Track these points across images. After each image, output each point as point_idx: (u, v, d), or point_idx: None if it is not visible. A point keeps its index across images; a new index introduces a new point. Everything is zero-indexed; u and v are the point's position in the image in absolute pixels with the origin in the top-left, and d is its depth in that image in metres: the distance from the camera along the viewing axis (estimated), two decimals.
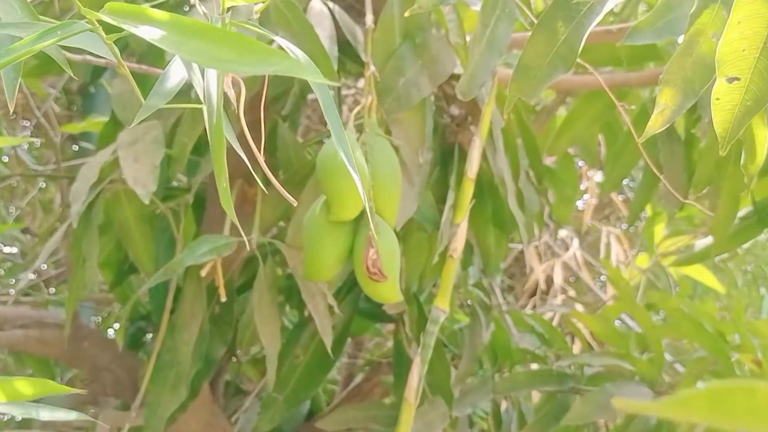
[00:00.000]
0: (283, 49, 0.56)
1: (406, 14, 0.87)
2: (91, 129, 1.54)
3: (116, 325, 1.63)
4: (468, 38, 1.08)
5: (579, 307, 1.92)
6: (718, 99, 0.73)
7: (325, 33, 1.07)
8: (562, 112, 1.55)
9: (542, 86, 0.85)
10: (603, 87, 1.13)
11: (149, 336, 1.52)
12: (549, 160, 1.63)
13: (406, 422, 0.99)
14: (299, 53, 0.57)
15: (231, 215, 0.52)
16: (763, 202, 1.36)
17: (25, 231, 2.10)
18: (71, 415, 0.78)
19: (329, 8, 1.10)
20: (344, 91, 1.78)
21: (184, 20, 0.49)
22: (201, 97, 0.55)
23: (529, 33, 0.84)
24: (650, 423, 1.40)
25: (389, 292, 1.02)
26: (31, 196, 1.99)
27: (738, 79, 0.72)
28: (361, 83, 1.35)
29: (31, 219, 2.14)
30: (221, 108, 0.51)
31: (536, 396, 1.65)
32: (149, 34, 0.48)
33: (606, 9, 0.82)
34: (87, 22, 0.51)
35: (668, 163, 1.26)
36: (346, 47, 1.13)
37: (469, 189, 1.06)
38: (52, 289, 1.94)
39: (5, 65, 0.51)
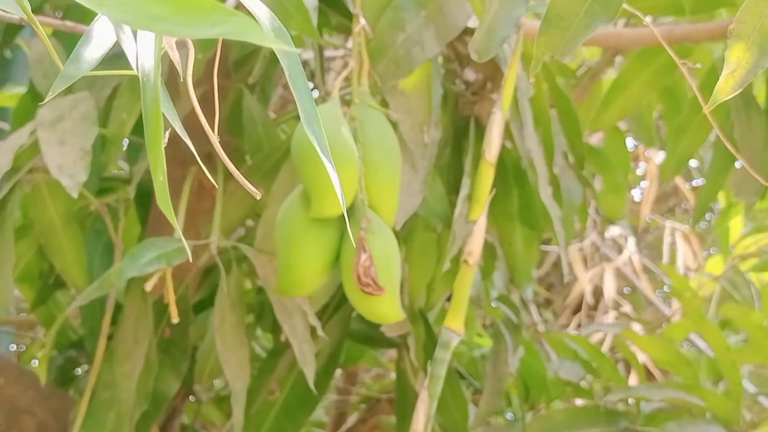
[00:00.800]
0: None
1: None
2: (5, 104, 1.58)
3: (39, 355, 1.68)
4: None
5: (636, 327, 1.97)
6: None
7: None
8: (610, 75, 1.59)
9: (578, 41, 0.90)
10: (660, 42, 1.17)
11: (82, 369, 1.58)
12: (594, 138, 1.66)
13: None
14: (259, 6, 0.60)
15: (170, 217, 0.54)
16: None
17: None
18: None
19: None
20: (330, 53, 1.83)
21: None
22: (133, 65, 0.58)
23: None
24: None
25: (387, 309, 1.06)
26: None
27: None
28: (350, 43, 1.40)
29: None
30: (158, 79, 0.54)
31: None
32: None
33: None
34: None
35: (745, 139, 1.30)
36: None
37: (488, 176, 1.11)
38: None
39: None
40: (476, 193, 1.14)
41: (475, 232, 1.11)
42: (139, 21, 0.49)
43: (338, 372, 1.64)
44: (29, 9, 0.57)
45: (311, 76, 1.57)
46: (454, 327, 1.08)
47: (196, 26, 0.47)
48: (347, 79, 1.10)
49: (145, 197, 1.39)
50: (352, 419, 1.79)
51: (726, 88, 0.85)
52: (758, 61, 0.84)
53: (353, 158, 0.98)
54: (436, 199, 1.29)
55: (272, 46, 0.49)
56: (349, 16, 1.17)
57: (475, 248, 1.10)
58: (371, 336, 1.43)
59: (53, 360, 1.58)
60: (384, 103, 1.13)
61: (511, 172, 1.29)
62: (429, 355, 1.33)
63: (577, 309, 2.12)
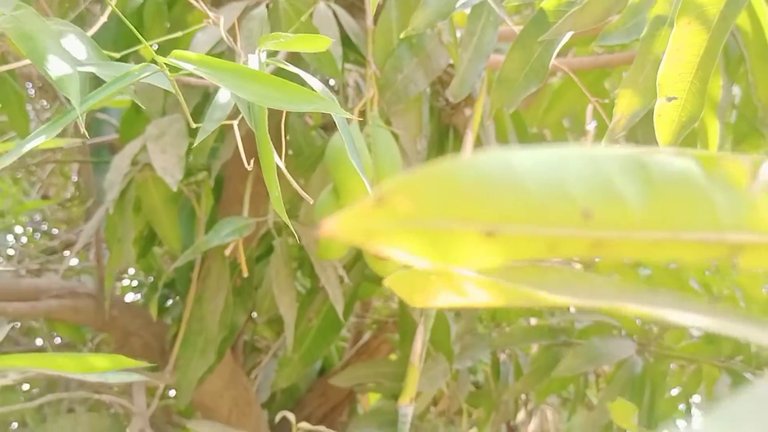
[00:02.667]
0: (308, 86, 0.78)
1: (402, 36, 1.08)
2: (111, 105, 1.73)
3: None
4: (459, 34, 1.28)
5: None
6: (659, 115, 0.91)
7: (329, 32, 1.27)
8: (554, 82, 1.73)
9: (519, 97, 1.06)
10: (589, 67, 1.34)
11: (170, 302, 1.74)
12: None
13: (412, 382, 1.22)
14: (320, 87, 0.80)
15: (280, 211, 0.76)
16: None
17: (44, 197, 2.32)
18: (134, 377, 1.03)
19: (333, 11, 1.30)
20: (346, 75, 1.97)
21: (240, 68, 0.73)
22: (248, 122, 0.79)
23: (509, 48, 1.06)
24: (636, 372, 1.64)
25: (390, 267, 1.19)
26: (52, 167, 2.20)
27: (676, 98, 0.93)
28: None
29: (50, 187, 2.36)
30: (266, 133, 0.75)
31: (536, 347, 1.87)
32: (213, 78, 0.71)
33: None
34: (154, 62, 0.74)
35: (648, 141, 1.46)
36: (347, 40, 1.33)
37: None
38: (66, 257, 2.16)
39: (96, 105, 0.75)
40: None
41: None
42: (266, 101, 0.71)
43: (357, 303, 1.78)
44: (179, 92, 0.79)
45: (335, 93, 1.70)
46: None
47: (300, 105, 0.70)
48: (363, 106, 1.25)
49: (219, 183, 1.52)
50: (366, 336, 1.92)
51: (617, 129, 1.02)
52: (641, 109, 1.01)
53: (369, 164, 1.15)
54: None
55: (341, 115, 0.72)
56: (363, 57, 1.29)
57: None
58: (380, 279, 1.61)
59: (151, 296, 1.72)
60: (389, 122, 1.27)
61: None
62: None
63: None
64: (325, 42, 0.79)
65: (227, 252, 1.30)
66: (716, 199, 0.27)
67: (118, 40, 1.47)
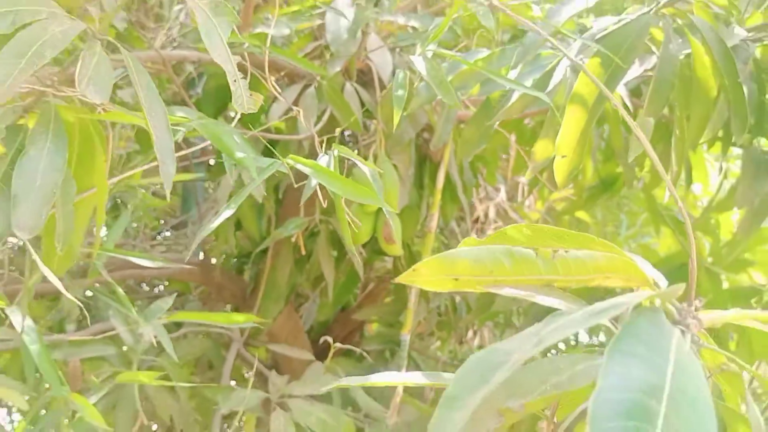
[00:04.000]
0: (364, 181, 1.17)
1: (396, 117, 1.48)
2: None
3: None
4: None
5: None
6: (557, 166, 1.20)
7: (353, 103, 1.63)
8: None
9: (474, 152, 1.45)
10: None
11: (247, 266, 2.06)
12: None
13: (409, 319, 1.59)
14: (370, 173, 1.18)
15: (351, 249, 1.16)
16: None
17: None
18: (251, 324, 1.42)
19: (355, 88, 1.66)
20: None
21: (328, 171, 1.10)
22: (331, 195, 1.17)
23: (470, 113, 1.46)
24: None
25: (396, 249, 1.56)
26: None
27: (565, 156, 1.30)
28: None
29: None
30: (342, 203, 1.13)
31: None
32: (311, 174, 1.09)
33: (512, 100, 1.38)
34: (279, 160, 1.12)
35: None
36: (363, 106, 1.65)
37: (438, 194, 1.64)
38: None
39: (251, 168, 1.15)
40: (434, 201, 1.63)
41: (433, 218, 1.62)
42: (344, 194, 1.06)
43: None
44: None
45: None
46: (425, 255, 1.69)
47: (361, 197, 1.05)
48: (375, 149, 1.62)
49: (279, 198, 1.84)
50: (371, 286, 2.19)
51: (534, 171, 1.41)
52: (549, 157, 1.37)
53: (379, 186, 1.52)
54: (412, 197, 1.70)
55: (389, 210, 1.09)
56: (371, 114, 1.61)
57: (433, 224, 1.62)
58: (382, 251, 1.78)
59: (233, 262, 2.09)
60: (390, 158, 1.57)
61: (447, 185, 1.73)
62: (410, 263, 1.89)
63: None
64: (372, 194, 1.09)
65: (293, 239, 1.68)
66: (539, 263, 0.69)
67: (216, 103, 1.84)
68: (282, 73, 1.58)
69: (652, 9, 1.16)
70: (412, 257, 1.83)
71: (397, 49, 1.67)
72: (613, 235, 2.56)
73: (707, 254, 1.94)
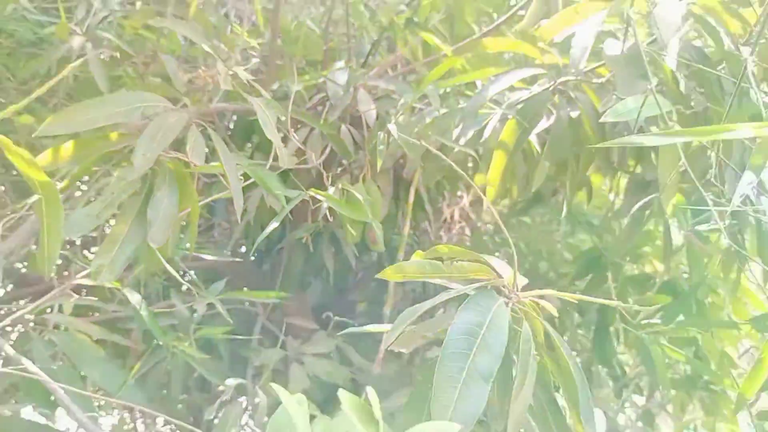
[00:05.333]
0: None
1: (378, 163, 1.86)
2: None
3: None
4: None
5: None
6: (487, 191, 1.71)
7: (348, 140, 2.01)
8: None
9: (435, 179, 1.86)
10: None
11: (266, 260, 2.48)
12: None
13: (390, 299, 2.01)
14: (367, 204, 1.58)
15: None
16: None
17: None
18: (275, 300, 1.80)
19: (349, 129, 2.03)
20: None
21: (336, 199, 1.49)
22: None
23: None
24: None
25: (379, 247, 1.89)
26: None
27: (491, 185, 1.70)
28: None
29: None
30: (348, 225, 1.52)
31: None
32: (328, 202, 1.48)
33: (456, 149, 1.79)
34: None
35: None
36: (355, 141, 2.07)
37: (409, 207, 2.02)
38: None
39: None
40: (407, 210, 2.07)
41: (406, 223, 2.03)
42: (350, 215, 1.46)
43: None
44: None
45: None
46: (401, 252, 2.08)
47: (357, 216, 1.43)
48: (364, 175, 2.02)
49: None
50: (360, 274, 2.64)
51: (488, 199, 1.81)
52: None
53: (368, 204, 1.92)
54: (391, 209, 1.99)
55: (368, 221, 1.48)
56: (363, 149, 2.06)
57: (405, 228, 2.04)
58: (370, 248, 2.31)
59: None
60: (375, 181, 2.00)
61: (417, 199, 2.16)
62: (390, 257, 2.29)
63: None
64: (364, 214, 1.50)
65: (303, 240, 2.06)
66: (444, 268, 1.08)
67: (244, 135, 2.21)
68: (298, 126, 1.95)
69: (551, 86, 1.55)
70: (391, 252, 2.20)
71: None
72: (549, 233, 2.94)
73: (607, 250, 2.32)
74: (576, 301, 2.17)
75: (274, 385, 1.19)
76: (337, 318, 2.15)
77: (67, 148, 1.12)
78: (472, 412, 0.66)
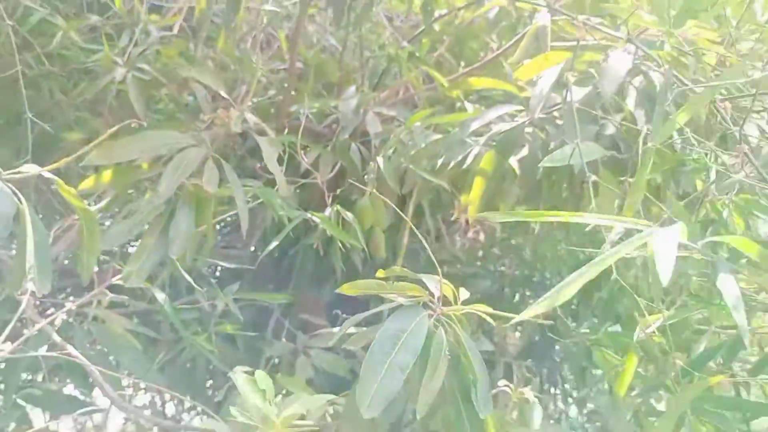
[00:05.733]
0: None
1: (390, 180, 2.11)
2: None
3: None
4: None
5: None
6: (469, 211, 1.94)
7: (356, 157, 2.27)
8: None
9: (428, 197, 2.10)
10: None
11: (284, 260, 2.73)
12: None
13: None
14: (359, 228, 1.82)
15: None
16: None
17: None
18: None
19: (358, 147, 2.27)
20: None
21: (329, 222, 1.75)
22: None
23: None
24: None
25: (381, 252, 2.17)
26: None
27: (472, 204, 1.92)
28: None
29: None
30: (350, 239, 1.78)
31: None
32: (322, 224, 1.74)
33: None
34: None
35: None
36: (364, 160, 2.32)
37: (409, 218, 2.29)
38: None
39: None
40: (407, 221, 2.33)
41: (405, 233, 2.30)
42: (337, 235, 1.72)
43: None
44: None
45: None
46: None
47: (348, 239, 1.69)
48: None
49: None
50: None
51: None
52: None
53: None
54: (394, 220, 2.18)
55: (359, 246, 1.73)
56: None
57: (404, 240, 2.30)
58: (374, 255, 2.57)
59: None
60: (381, 194, 2.29)
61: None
62: (391, 261, 2.53)
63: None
64: (356, 239, 1.76)
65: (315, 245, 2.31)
66: (389, 287, 1.32)
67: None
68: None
69: (526, 121, 1.77)
70: (395, 257, 2.44)
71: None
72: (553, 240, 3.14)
73: None
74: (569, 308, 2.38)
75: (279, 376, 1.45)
76: (344, 316, 2.39)
77: (107, 174, 1.40)
78: (387, 395, 0.90)
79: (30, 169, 1.04)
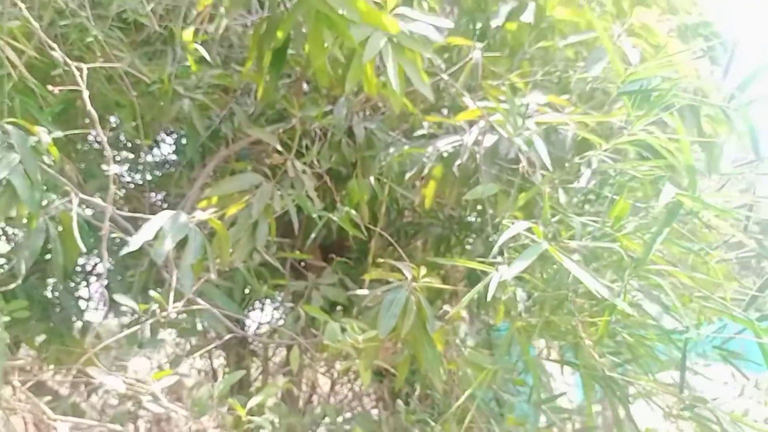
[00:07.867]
0: None
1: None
2: None
3: None
4: None
5: None
6: (425, 200, 2.97)
7: (346, 150, 3.27)
8: None
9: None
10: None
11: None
12: None
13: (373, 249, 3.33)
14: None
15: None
16: None
17: None
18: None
19: (348, 143, 3.29)
20: None
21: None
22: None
23: None
24: None
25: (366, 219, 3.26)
26: None
27: (426, 197, 2.96)
28: None
29: None
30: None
31: None
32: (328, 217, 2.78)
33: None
34: None
35: None
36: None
37: (381, 213, 3.34)
38: None
39: None
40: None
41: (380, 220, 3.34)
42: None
43: None
44: None
45: None
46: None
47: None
48: None
49: None
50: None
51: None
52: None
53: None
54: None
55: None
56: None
57: (380, 225, 3.33)
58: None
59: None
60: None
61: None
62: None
63: None
64: (357, 228, 2.81)
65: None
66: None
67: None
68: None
69: (469, 141, 2.81)
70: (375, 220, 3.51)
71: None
72: None
73: None
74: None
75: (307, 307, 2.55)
76: (337, 258, 3.47)
77: (215, 199, 2.43)
78: (390, 325, 2.02)
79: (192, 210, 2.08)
